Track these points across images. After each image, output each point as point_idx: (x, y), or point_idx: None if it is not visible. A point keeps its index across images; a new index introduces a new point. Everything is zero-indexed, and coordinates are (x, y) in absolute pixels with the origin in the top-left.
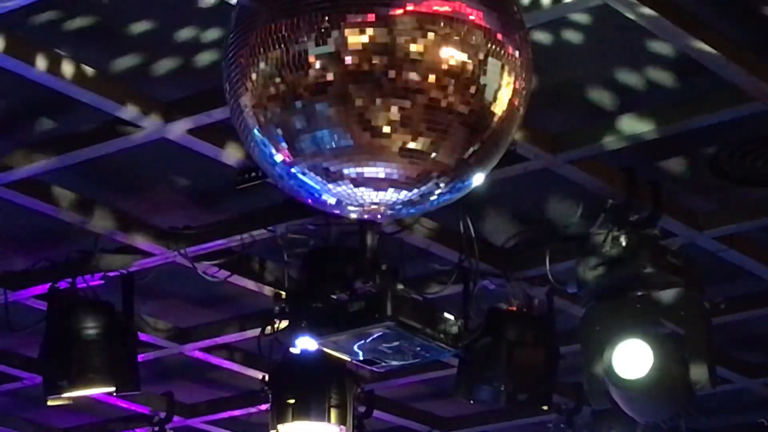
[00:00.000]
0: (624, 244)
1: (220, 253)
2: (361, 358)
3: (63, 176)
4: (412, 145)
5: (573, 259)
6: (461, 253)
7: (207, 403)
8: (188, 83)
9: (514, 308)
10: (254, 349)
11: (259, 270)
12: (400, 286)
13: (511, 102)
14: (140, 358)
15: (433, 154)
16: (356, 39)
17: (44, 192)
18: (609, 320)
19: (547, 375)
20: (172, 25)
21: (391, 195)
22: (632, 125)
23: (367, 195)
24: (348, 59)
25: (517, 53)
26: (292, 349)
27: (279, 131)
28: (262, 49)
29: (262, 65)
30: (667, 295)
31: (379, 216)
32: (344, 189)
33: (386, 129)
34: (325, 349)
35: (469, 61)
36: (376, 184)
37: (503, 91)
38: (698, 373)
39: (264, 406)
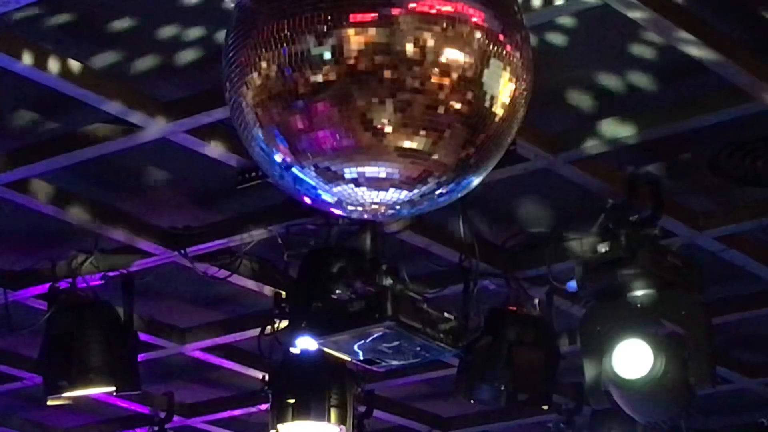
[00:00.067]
0: (624, 244)
1: (220, 253)
2: (361, 357)
3: (63, 176)
4: (412, 145)
5: (573, 259)
6: (461, 253)
7: (207, 403)
8: (188, 83)
9: (514, 308)
10: (254, 349)
11: (259, 270)
12: (400, 286)
13: (511, 102)
14: (140, 358)
15: (434, 155)
16: (357, 38)
17: (44, 192)
18: (609, 320)
19: (547, 375)
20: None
21: (391, 195)
22: (632, 125)
23: (368, 195)
24: (349, 59)
25: (517, 54)
26: (292, 349)
27: (279, 131)
28: (262, 49)
29: (262, 65)
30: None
31: (379, 216)
32: (344, 189)
33: (387, 129)
34: (325, 349)
35: (470, 62)
36: (377, 183)
37: (504, 92)
38: (698, 373)
39: (264, 406)
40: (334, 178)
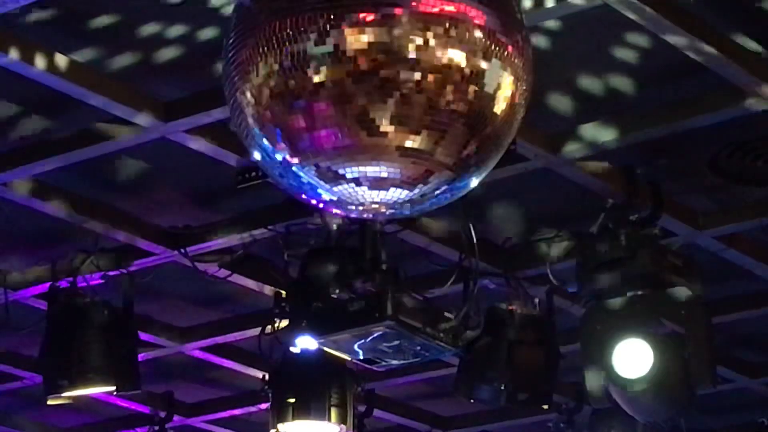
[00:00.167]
0: (624, 244)
1: (220, 253)
2: (362, 357)
3: (63, 176)
4: (412, 144)
5: (573, 259)
6: (461, 253)
7: (207, 402)
8: (188, 83)
9: (514, 308)
10: (254, 349)
11: (259, 270)
12: (400, 286)
13: (511, 102)
14: (140, 357)
15: (435, 154)
16: (357, 38)
17: (44, 192)
18: (609, 320)
19: (547, 374)
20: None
21: (391, 194)
22: (632, 125)
23: (368, 194)
24: (349, 59)
25: (518, 54)
26: (292, 349)
27: (279, 131)
28: (262, 49)
29: (262, 65)
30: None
31: (379, 215)
32: (345, 188)
33: (387, 128)
34: (325, 349)
35: (471, 62)
36: (378, 183)
37: (504, 92)
38: (698, 372)
39: (264, 406)
40: (334, 177)
